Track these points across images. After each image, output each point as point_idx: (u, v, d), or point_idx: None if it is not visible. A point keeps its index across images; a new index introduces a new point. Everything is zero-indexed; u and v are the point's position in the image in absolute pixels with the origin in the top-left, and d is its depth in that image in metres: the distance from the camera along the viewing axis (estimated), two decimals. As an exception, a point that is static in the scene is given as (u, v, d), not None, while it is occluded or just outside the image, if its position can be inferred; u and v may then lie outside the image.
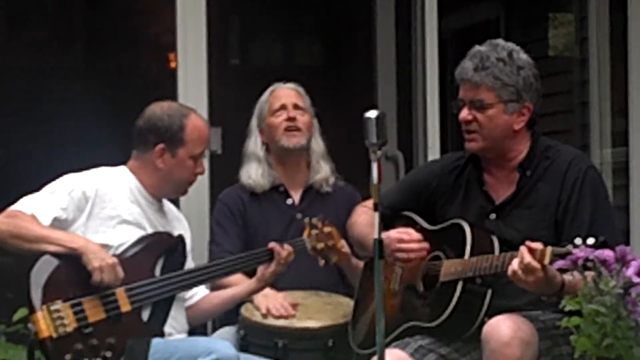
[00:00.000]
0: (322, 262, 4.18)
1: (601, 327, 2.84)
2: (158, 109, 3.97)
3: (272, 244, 4.00)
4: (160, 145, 3.91)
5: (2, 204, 3.86)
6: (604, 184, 3.70)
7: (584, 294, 2.89)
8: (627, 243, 3.22)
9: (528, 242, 3.29)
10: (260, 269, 4.00)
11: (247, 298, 4.09)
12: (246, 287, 4.06)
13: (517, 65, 3.63)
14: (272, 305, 4.05)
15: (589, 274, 2.92)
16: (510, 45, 3.69)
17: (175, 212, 4.14)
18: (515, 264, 3.29)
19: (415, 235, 3.73)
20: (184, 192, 4.07)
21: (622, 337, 2.83)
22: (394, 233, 3.73)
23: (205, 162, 4.06)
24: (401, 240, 3.71)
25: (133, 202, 3.90)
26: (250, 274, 4.09)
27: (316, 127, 4.52)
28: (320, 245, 4.17)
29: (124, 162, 4.01)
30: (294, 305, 4.08)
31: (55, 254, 3.67)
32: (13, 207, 3.78)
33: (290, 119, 4.41)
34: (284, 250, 3.99)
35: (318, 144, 4.50)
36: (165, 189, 3.98)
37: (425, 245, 3.73)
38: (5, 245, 3.74)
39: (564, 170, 3.62)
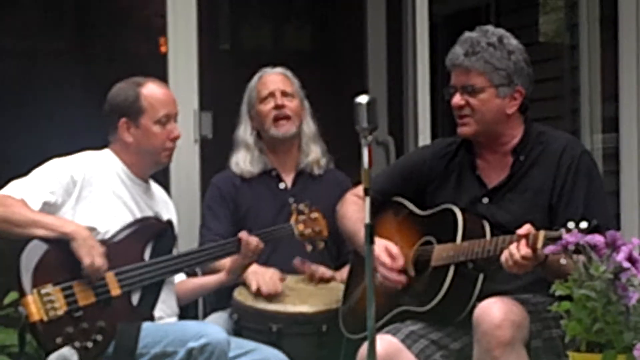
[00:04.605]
0: (309, 247, 4.18)
1: (591, 312, 2.84)
2: (114, 88, 3.98)
3: (241, 234, 3.99)
4: (123, 120, 3.91)
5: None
6: (597, 169, 3.73)
7: (574, 278, 2.89)
8: (618, 228, 3.22)
9: (519, 230, 3.30)
10: (230, 260, 4.00)
11: (237, 282, 4.08)
12: (216, 278, 4.07)
13: (508, 50, 3.65)
14: (262, 280, 4.04)
15: (580, 259, 2.92)
16: (501, 30, 3.72)
17: (163, 196, 4.14)
18: (513, 256, 3.29)
19: (398, 263, 3.71)
20: (167, 161, 4.01)
21: (612, 322, 2.83)
22: (381, 252, 3.68)
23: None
24: (384, 264, 3.68)
25: (120, 184, 3.90)
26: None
27: (307, 109, 4.51)
28: (307, 231, 4.17)
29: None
30: (282, 280, 4.07)
31: (44, 238, 3.66)
32: (1, 192, 3.77)
33: (278, 107, 4.40)
34: (252, 240, 3.97)
35: (309, 127, 4.48)
36: (143, 163, 3.96)
37: (403, 278, 3.69)
38: (-5, 231, 3.73)
39: (559, 156, 3.63)
